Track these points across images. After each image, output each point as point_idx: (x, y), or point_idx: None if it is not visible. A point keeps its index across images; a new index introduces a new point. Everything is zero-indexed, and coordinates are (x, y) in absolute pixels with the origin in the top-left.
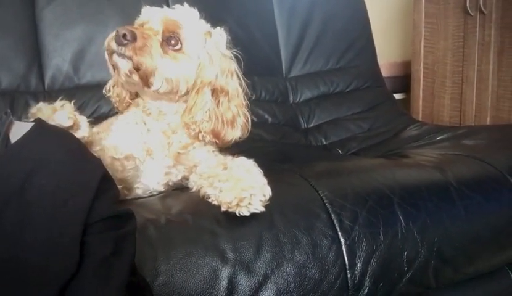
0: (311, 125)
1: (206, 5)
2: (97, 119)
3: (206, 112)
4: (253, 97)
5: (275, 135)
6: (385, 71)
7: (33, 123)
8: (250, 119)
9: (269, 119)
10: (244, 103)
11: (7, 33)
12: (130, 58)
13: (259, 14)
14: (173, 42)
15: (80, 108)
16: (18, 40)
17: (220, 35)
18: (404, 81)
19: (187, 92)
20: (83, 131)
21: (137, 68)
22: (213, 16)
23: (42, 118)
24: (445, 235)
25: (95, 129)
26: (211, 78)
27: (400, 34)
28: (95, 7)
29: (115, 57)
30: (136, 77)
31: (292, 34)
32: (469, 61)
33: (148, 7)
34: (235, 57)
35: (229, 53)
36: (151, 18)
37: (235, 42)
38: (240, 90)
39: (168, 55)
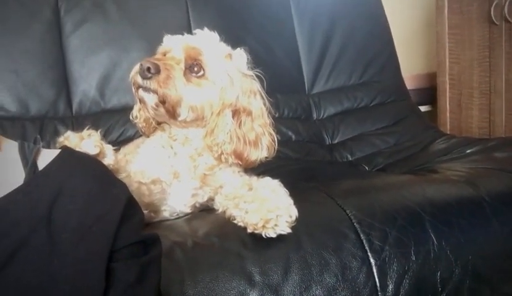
0: (336, 141)
1: (226, 25)
2: (122, 142)
3: (227, 133)
4: (277, 115)
5: (300, 152)
6: (409, 84)
7: (60, 150)
8: (276, 139)
9: (293, 137)
10: (269, 122)
11: (36, 61)
12: (155, 92)
13: (279, 32)
14: (195, 69)
15: (106, 132)
16: (47, 68)
17: (240, 56)
18: (429, 93)
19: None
20: (109, 158)
21: (163, 101)
22: (233, 37)
23: (70, 146)
24: (479, 253)
25: (122, 150)
26: (232, 100)
27: (422, 46)
28: (119, 33)
29: (141, 92)
30: (162, 110)
31: (314, 50)
32: (496, 70)
33: (169, 35)
34: (258, 76)
35: (250, 73)
36: (173, 46)
37: (256, 60)
38: (264, 109)
39: (192, 83)
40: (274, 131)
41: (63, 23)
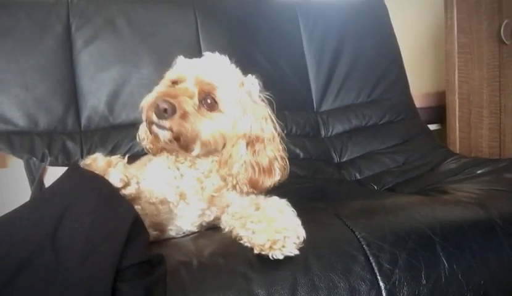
0: (344, 159)
1: (235, 42)
2: (130, 158)
3: (242, 165)
4: (284, 132)
5: (307, 170)
6: (418, 102)
7: (67, 168)
8: (287, 162)
9: (301, 154)
10: (281, 147)
11: (46, 77)
12: (170, 129)
13: (288, 49)
14: (209, 101)
15: (114, 147)
16: (57, 83)
17: (252, 84)
18: (438, 112)
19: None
20: (132, 187)
21: (177, 138)
22: (242, 53)
23: (96, 170)
24: (492, 277)
25: (131, 170)
26: (246, 130)
27: (432, 64)
28: (129, 49)
29: (155, 128)
30: (175, 145)
31: (322, 68)
32: (506, 90)
33: (182, 57)
34: (268, 99)
35: (261, 98)
36: (187, 76)
37: (264, 77)
38: (276, 134)
39: (205, 117)
40: (285, 154)
41: (74, 39)
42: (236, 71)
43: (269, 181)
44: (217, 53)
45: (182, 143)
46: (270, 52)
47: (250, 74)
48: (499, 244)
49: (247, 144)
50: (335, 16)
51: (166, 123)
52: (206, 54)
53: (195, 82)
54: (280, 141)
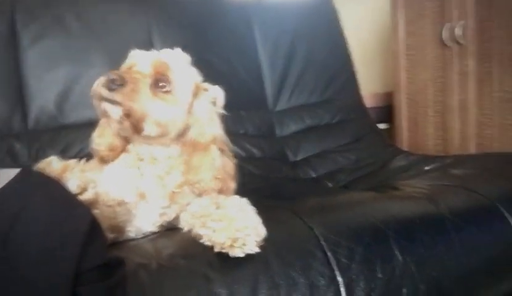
0: (299, 158)
1: (189, 42)
2: (81, 159)
3: (214, 171)
4: (241, 132)
5: (263, 169)
6: (368, 102)
7: (18, 170)
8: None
9: (257, 154)
10: (231, 153)
11: None
12: (120, 104)
13: (242, 50)
14: (162, 84)
15: (65, 148)
16: (1, 82)
17: (215, 93)
18: (387, 111)
19: (179, 136)
20: (89, 193)
21: (127, 115)
22: (196, 54)
23: (52, 173)
24: (443, 269)
25: (84, 167)
26: (216, 135)
27: (380, 66)
28: (80, 47)
29: (105, 104)
30: (127, 123)
31: (276, 68)
32: (449, 90)
33: (136, 50)
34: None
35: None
36: (139, 61)
37: (219, 78)
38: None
39: (158, 98)
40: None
41: (20, 37)
42: (195, 71)
43: (233, 186)
44: (177, 49)
45: (132, 121)
46: (224, 52)
47: (217, 86)
48: (449, 237)
49: (218, 150)
50: (287, 17)
51: (116, 97)
52: (164, 50)
53: (150, 64)
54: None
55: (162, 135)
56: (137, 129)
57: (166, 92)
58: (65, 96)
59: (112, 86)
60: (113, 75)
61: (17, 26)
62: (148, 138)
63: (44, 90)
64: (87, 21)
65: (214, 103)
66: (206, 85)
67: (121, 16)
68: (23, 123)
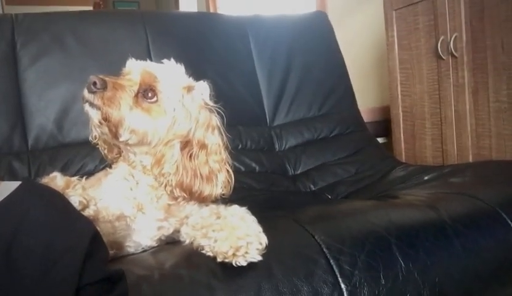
0: (299, 172)
1: (187, 59)
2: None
3: (173, 164)
4: (239, 147)
5: (264, 183)
6: (365, 117)
7: (20, 183)
8: (232, 176)
9: (257, 168)
10: (226, 160)
11: None
12: (99, 108)
13: (240, 66)
14: (149, 94)
15: (65, 167)
16: (1, 101)
17: (204, 88)
18: (384, 125)
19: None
20: (90, 209)
21: (105, 119)
22: (194, 71)
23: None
24: (445, 274)
25: (85, 185)
26: (184, 132)
27: (376, 80)
28: (79, 66)
29: (87, 106)
30: (105, 128)
31: (273, 84)
32: (445, 102)
33: (133, 59)
34: (218, 112)
35: (210, 107)
36: (132, 69)
37: (216, 93)
38: (222, 145)
39: (140, 107)
40: (231, 167)
41: (20, 57)
42: (185, 76)
43: (208, 190)
44: (173, 60)
45: (109, 126)
46: (222, 68)
47: (202, 81)
48: (450, 242)
49: (184, 146)
50: (283, 32)
51: (94, 99)
52: (163, 61)
53: (138, 73)
54: (226, 154)
55: (142, 144)
56: (114, 134)
57: (152, 103)
58: (64, 114)
59: (93, 88)
60: (94, 78)
61: (17, 46)
62: (128, 145)
63: (43, 109)
64: (85, 40)
65: (197, 99)
66: (192, 82)
67: (120, 35)
68: (23, 141)
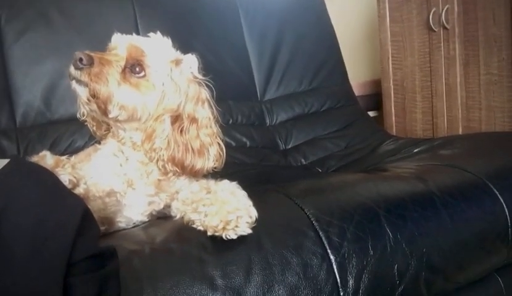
0: (290, 146)
1: (175, 32)
2: (71, 153)
3: (164, 139)
4: (230, 122)
5: (255, 158)
6: (356, 91)
7: (8, 160)
8: (224, 149)
9: (248, 143)
10: (216, 131)
11: None
12: (87, 85)
13: (229, 39)
14: (137, 69)
15: (54, 143)
16: None
17: (192, 61)
18: (375, 99)
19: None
20: (81, 188)
21: (93, 95)
22: (182, 44)
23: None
24: (433, 245)
25: (73, 159)
26: (174, 106)
27: (367, 54)
28: (64, 42)
29: (74, 84)
30: (94, 105)
31: (264, 58)
32: (436, 75)
33: (118, 34)
34: (207, 85)
35: (199, 80)
36: (118, 44)
37: (206, 68)
38: (212, 118)
39: (128, 83)
40: (222, 140)
41: (4, 33)
42: (173, 49)
43: (200, 163)
44: (159, 34)
45: (98, 103)
46: (211, 42)
47: (190, 54)
48: (438, 214)
49: (174, 120)
50: (274, 6)
51: (81, 76)
52: (150, 34)
53: (125, 48)
54: (216, 126)
55: (132, 120)
56: (104, 111)
57: (140, 78)
58: (51, 91)
59: (79, 64)
60: (80, 54)
61: (1, 22)
62: (118, 121)
63: (30, 86)
64: (70, 14)
65: (185, 72)
66: (180, 56)
67: (105, 8)
68: (10, 119)
